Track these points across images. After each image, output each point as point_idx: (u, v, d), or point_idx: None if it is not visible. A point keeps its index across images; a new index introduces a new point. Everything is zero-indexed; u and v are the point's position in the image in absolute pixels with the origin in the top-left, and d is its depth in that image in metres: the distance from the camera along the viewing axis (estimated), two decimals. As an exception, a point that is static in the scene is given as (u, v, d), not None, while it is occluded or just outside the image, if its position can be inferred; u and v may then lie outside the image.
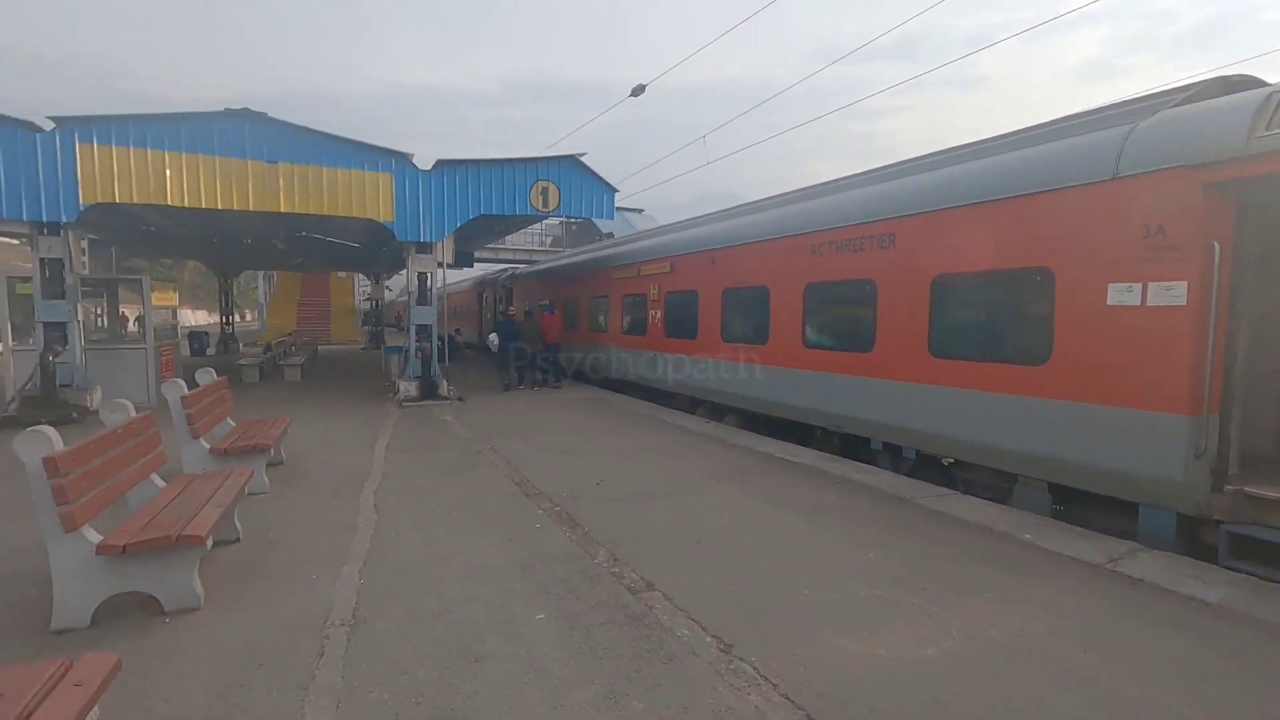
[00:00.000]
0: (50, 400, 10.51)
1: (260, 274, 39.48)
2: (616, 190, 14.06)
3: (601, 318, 15.73)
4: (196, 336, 25.23)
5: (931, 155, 7.77)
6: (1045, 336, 5.82)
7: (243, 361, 15.80)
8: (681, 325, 12.00)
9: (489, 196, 13.17)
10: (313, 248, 25.12)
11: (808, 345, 8.74)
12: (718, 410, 11.03)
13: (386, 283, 33.53)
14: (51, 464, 3.43)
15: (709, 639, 3.55)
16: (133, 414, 4.76)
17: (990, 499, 6.23)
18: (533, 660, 3.36)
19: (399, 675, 3.22)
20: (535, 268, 22.74)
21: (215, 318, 46.85)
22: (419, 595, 4.12)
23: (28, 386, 10.61)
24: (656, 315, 12.75)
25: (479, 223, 14.48)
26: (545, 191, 13.52)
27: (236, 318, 35.24)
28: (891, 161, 8.61)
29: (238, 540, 5.04)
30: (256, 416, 8.06)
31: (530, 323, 15.66)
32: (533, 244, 52.87)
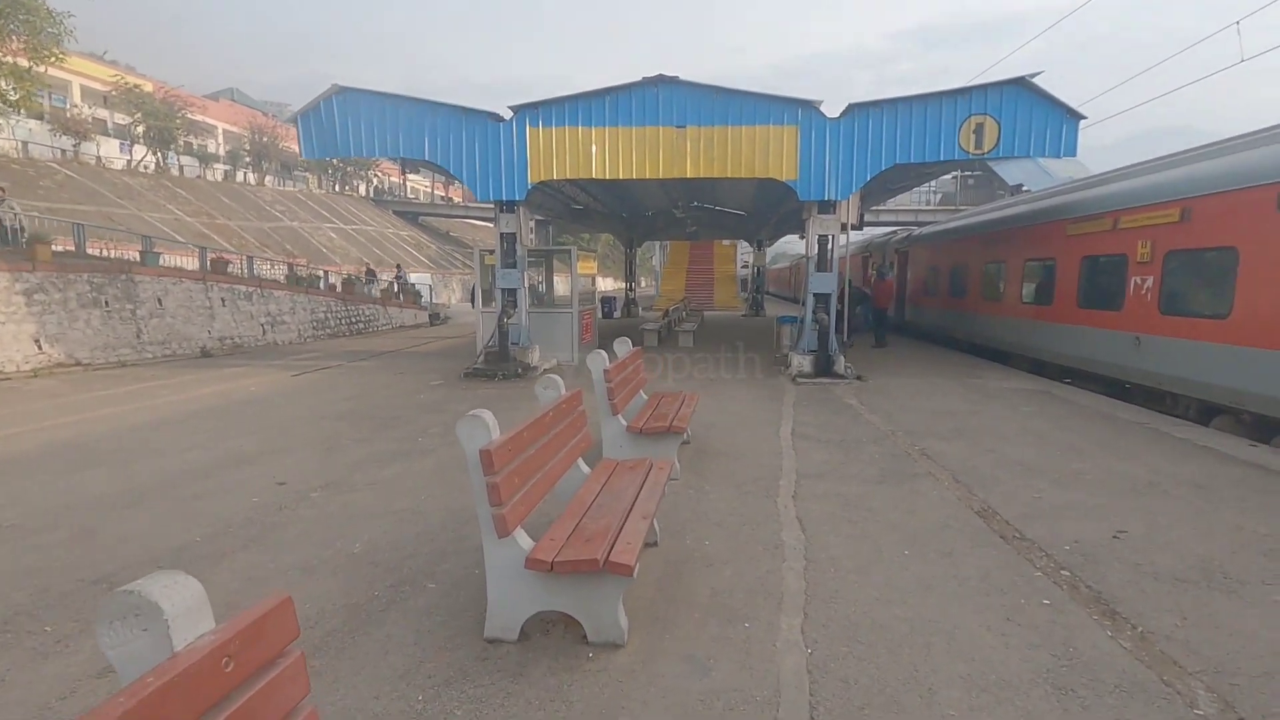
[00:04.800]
0: (504, 355, 12.20)
1: (657, 244, 43.46)
2: (1083, 117, 10.63)
3: (1036, 286, 12.42)
4: (606, 301, 28.57)
5: None
6: None
7: (645, 326, 16.80)
8: (1196, 298, 8.41)
9: (905, 142, 11.11)
10: (704, 216, 26.06)
11: None
12: (1266, 425, 7.38)
13: (768, 249, 33.51)
14: (487, 458, 2.95)
15: None
16: (563, 391, 4.38)
17: None
18: None
19: None
20: (939, 228, 19.65)
21: (619, 284, 53.58)
22: (903, 701, 2.76)
23: (489, 343, 12.49)
24: (1146, 284, 9.21)
25: (877, 180, 12.52)
26: (980, 129, 10.89)
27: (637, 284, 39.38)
28: None
29: (655, 544, 4.39)
30: (657, 380, 7.79)
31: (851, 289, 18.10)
32: (919, 203, 47.92)
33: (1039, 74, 10.60)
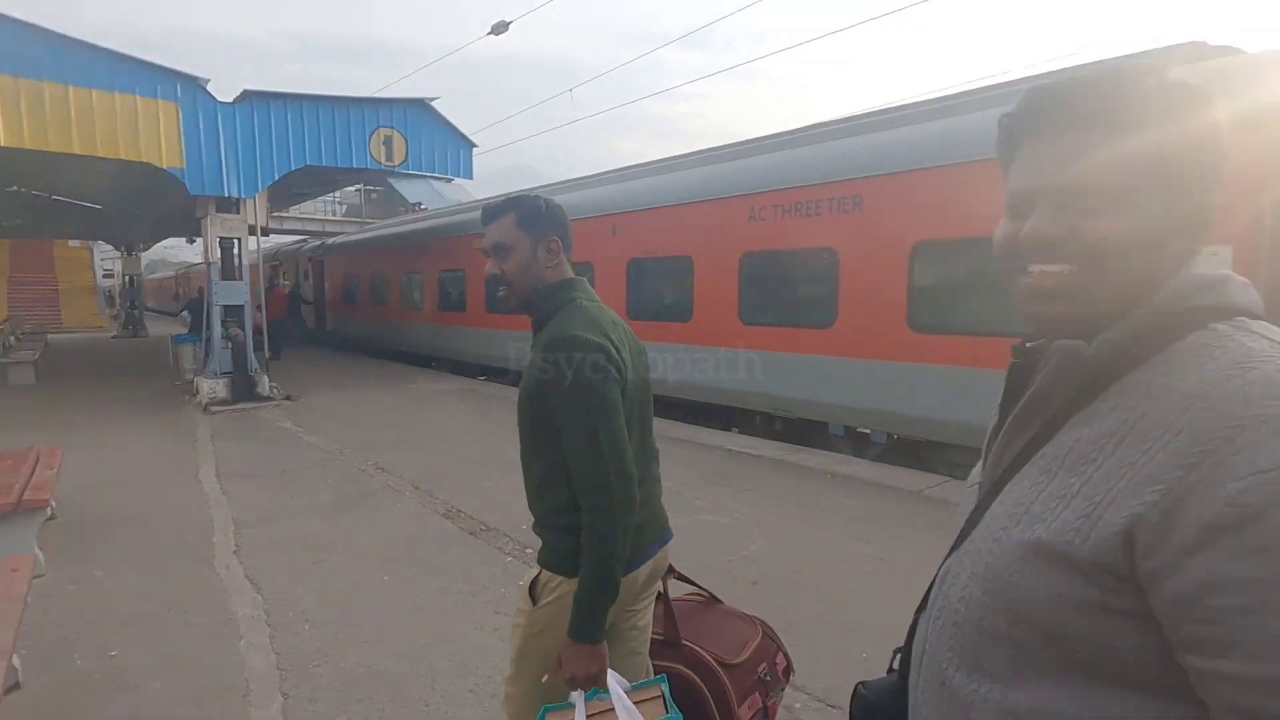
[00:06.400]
0: None
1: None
2: (475, 145, 12.07)
3: (453, 295, 13.63)
4: None
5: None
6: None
7: (-59, 361, 11.33)
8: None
9: (316, 144, 10.51)
10: (40, 207, 19.35)
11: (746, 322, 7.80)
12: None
13: (143, 255, 27.27)
14: None
15: None
16: None
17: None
18: None
19: None
20: (357, 237, 19.52)
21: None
22: (418, 752, 2.47)
23: None
24: (536, 290, 11.10)
25: (283, 182, 11.58)
26: (389, 141, 11.16)
27: (-89, 301, 26.52)
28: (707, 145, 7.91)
29: (17, 686, 2.86)
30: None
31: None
32: (326, 213, 46.88)
33: (437, 99, 11.52)
